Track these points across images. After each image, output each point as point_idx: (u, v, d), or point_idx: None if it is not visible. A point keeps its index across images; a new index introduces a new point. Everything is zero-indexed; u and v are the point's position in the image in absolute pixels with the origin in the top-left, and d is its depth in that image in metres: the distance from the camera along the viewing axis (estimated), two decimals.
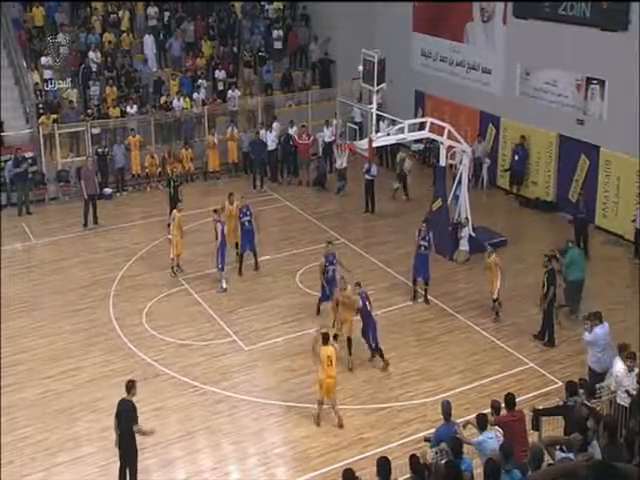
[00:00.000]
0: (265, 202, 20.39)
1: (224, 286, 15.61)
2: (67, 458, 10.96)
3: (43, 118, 20.94)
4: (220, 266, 15.50)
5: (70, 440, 11.33)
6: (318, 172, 21.54)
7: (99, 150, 20.76)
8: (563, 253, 14.48)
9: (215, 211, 16.08)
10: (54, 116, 21.16)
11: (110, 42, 23.53)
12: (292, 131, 21.90)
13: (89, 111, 21.65)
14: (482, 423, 8.83)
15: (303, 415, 11.82)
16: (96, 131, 21.27)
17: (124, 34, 23.98)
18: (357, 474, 7.92)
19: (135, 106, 22.02)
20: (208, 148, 21.72)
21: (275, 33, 25.38)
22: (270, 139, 21.62)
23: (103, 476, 10.64)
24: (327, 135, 22.16)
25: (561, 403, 9.60)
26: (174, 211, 16.34)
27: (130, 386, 10.01)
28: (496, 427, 8.98)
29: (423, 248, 14.87)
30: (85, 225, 18.86)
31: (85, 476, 10.66)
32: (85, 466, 10.81)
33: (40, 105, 21.50)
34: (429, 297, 15.08)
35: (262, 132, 21.79)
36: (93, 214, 18.97)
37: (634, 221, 16.68)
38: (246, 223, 16.01)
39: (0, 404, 11.81)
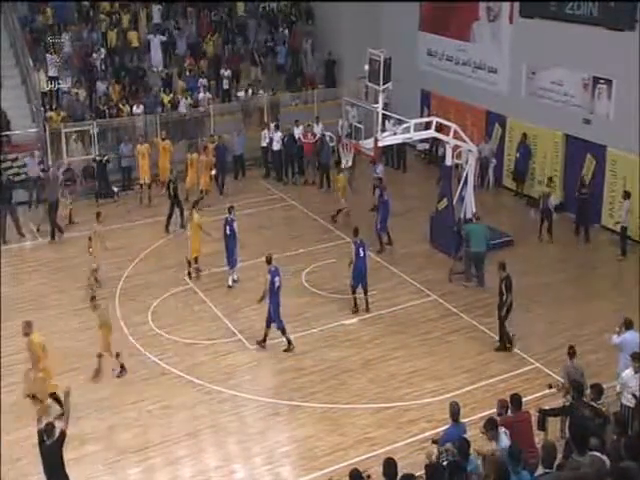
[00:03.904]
0: (271, 201, 20.42)
1: (229, 283, 15.74)
2: (72, 456, 10.93)
3: (52, 114, 21.01)
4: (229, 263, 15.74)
5: (75, 438, 11.33)
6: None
7: (97, 158, 20.57)
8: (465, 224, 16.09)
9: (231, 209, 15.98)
10: (62, 114, 21.26)
11: (116, 40, 23.60)
12: (297, 131, 21.89)
13: (98, 105, 21.66)
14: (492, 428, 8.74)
15: (309, 414, 11.82)
16: (96, 130, 21.06)
17: (130, 33, 24.03)
18: (364, 474, 7.91)
19: (142, 105, 22.06)
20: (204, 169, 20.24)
21: (280, 32, 25.40)
22: (275, 139, 21.60)
23: (108, 475, 10.67)
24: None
25: (567, 403, 9.58)
26: (192, 211, 15.94)
27: (49, 429, 8.86)
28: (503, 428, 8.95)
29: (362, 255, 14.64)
30: (53, 235, 17.99)
31: (90, 474, 10.68)
32: (90, 464, 10.83)
33: (47, 104, 21.58)
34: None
35: (265, 132, 21.78)
36: (52, 224, 17.99)
37: (618, 223, 16.95)
38: (228, 231, 15.75)
39: (0, 403, 11.79)
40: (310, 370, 12.88)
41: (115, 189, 20.91)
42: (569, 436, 8.24)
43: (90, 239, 15.66)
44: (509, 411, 9.31)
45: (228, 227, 15.71)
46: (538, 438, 9.34)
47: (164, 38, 24.15)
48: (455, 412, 9.23)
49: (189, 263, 16.10)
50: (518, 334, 13.90)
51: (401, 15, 23.65)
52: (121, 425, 11.63)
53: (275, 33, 25.60)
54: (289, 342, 13.43)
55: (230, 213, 15.86)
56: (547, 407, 9.89)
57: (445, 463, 8.11)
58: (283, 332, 13.42)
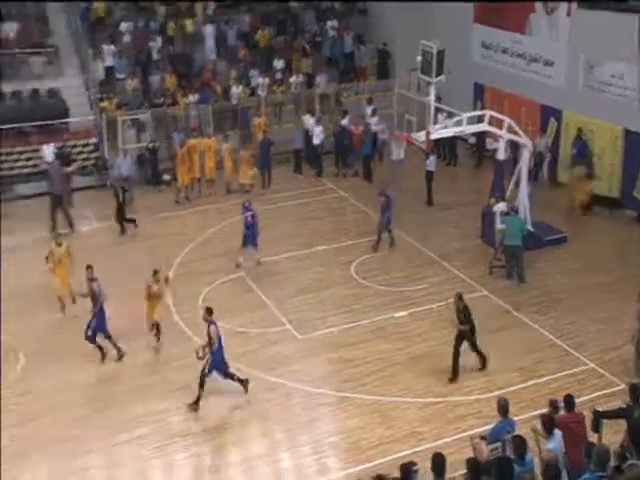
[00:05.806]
0: (320, 192, 20.42)
1: (240, 261, 16.07)
2: (125, 438, 11.20)
3: (105, 103, 21.44)
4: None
5: (128, 421, 11.56)
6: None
7: (150, 145, 20.78)
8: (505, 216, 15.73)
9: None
10: (116, 100, 21.71)
11: (173, 31, 23.90)
12: (345, 122, 21.72)
13: (153, 94, 21.91)
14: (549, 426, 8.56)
15: (357, 406, 11.81)
16: (145, 117, 21.24)
17: (186, 22, 24.29)
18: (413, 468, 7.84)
19: (197, 95, 22.28)
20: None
21: (329, 24, 25.33)
22: (316, 133, 21.40)
23: (157, 458, 10.86)
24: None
25: (624, 406, 9.34)
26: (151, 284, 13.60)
27: None
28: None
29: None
30: (53, 229, 17.44)
31: (140, 456, 10.87)
32: (140, 447, 11.04)
33: (103, 92, 22.03)
34: None
35: (311, 122, 21.68)
36: (66, 217, 17.84)
37: None
38: (249, 217, 16.02)
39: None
40: (359, 362, 12.86)
41: (167, 177, 21.15)
42: (627, 439, 8.03)
43: (47, 258, 14.71)
44: (561, 411, 9.14)
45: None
46: (593, 440, 9.12)
47: (216, 28, 24.34)
48: (503, 408, 9.10)
49: (155, 327, 13.56)
50: (573, 333, 13.62)
51: (455, 7, 23.30)
52: (170, 410, 11.81)
53: (326, 25, 25.48)
54: (118, 350, 13.04)
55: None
56: (601, 409, 9.66)
57: (493, 459, 7.99)
58: (109, 339, 13.00)
